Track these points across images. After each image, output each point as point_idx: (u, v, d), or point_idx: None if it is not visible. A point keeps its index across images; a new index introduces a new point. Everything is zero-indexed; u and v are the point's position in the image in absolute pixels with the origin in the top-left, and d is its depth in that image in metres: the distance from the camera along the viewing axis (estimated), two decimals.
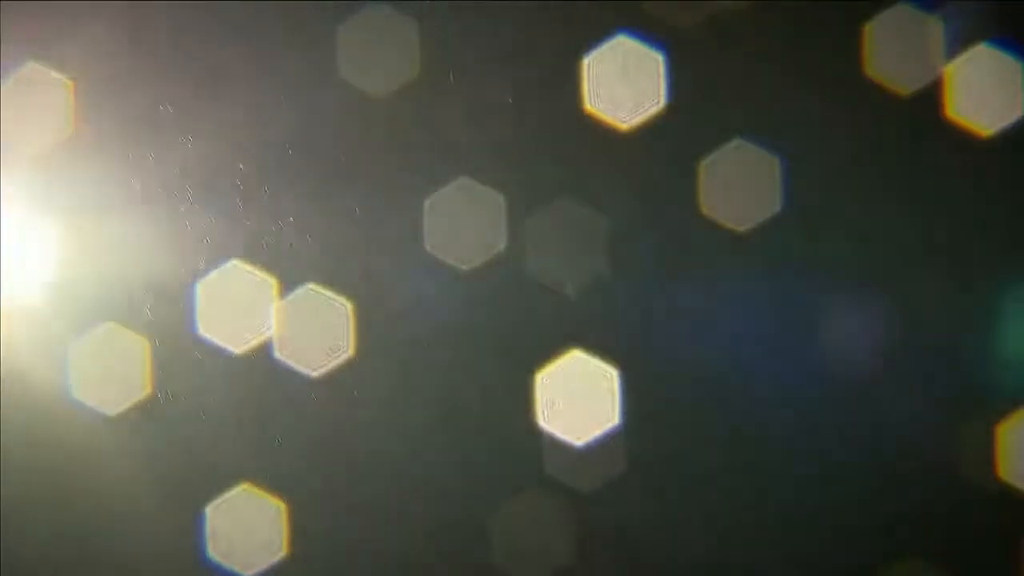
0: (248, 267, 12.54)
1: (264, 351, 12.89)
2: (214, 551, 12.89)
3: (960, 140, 13.48)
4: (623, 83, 13.43)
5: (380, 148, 13.50)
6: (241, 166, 12.93)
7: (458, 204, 13.45)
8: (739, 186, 13.51)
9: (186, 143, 12.99)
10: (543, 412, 13.39)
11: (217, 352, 12.73)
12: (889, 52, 13.44)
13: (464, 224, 13.36)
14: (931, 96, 13.48)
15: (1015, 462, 13.36)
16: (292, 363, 13.09)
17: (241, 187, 12.97)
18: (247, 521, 12.20)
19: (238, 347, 12.60)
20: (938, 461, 13.58)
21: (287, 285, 12.95)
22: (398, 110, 13.45)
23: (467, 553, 13.62)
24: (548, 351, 13.36)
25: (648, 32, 13.39)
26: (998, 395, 13.67)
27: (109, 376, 12.64)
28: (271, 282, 12.69)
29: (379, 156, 13.25)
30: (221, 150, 13.15)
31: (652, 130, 13.45)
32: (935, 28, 13.39)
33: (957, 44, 13.48)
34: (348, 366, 12.57)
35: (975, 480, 13.50)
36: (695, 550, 13.62)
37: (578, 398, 13.32)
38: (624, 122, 13.46)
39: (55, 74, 12.29)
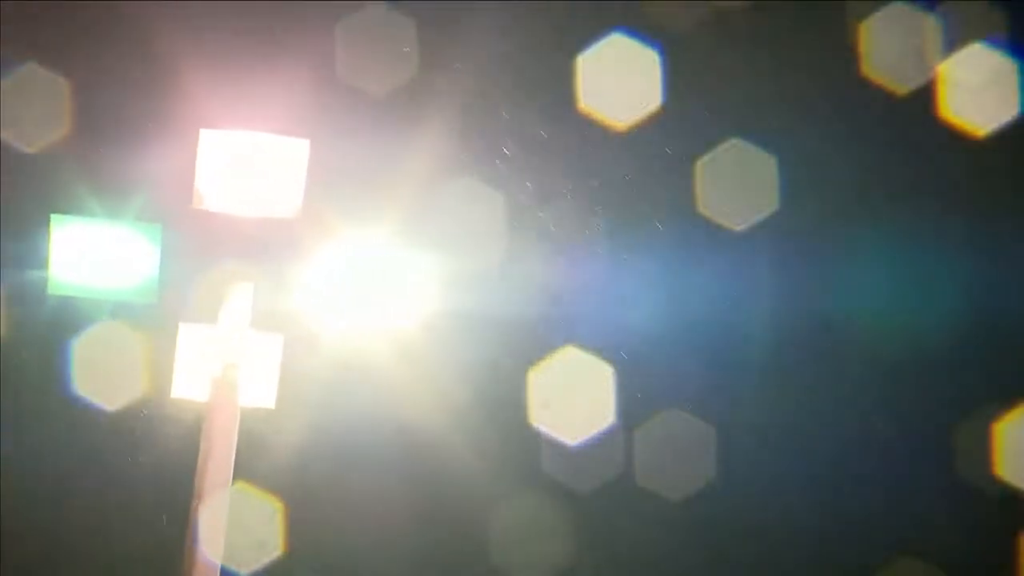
0: None
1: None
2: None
3: (955, 139, 13.44)
4: (619, 82, 13.36)
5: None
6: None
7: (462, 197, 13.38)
8: (736, 185, 13.45)
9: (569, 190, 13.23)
10: (538, 410, 13.29)
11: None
12: (885, 52, 13.41)
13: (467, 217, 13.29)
14: (927, 95, 13.45)
15: (1012, 460, 13.29)
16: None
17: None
18: (243, 520, 12.09)
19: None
20: (937, 460, 13.50)
21: None
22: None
23: (466, 551, 13.48)
24: (545, 349, 13.25)
25: (644, 31, 13.34)
26: (997, 394, 13.61)
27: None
28: None
29: None
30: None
31: (648, 129, 13.39)
32: (931, 28, 13.37)
33: (953, 44, 13.46)
34: (345, 367, 12.45)
35: (973, 478, 13.43)
36: (695, 549, 13.51)
37: (574, 396, 13.20)
38: (620, 121, 13.40)
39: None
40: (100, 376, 14.10)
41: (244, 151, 11.45)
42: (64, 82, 14.14)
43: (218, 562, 10.99)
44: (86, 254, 11.39)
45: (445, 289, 11.88)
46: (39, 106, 14.15)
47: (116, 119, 14.30)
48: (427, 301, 11.49)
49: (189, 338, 11.50)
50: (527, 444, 13.27)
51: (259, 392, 11.58)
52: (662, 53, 13.33)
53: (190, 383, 11.51)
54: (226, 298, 11.42)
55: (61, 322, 13.98)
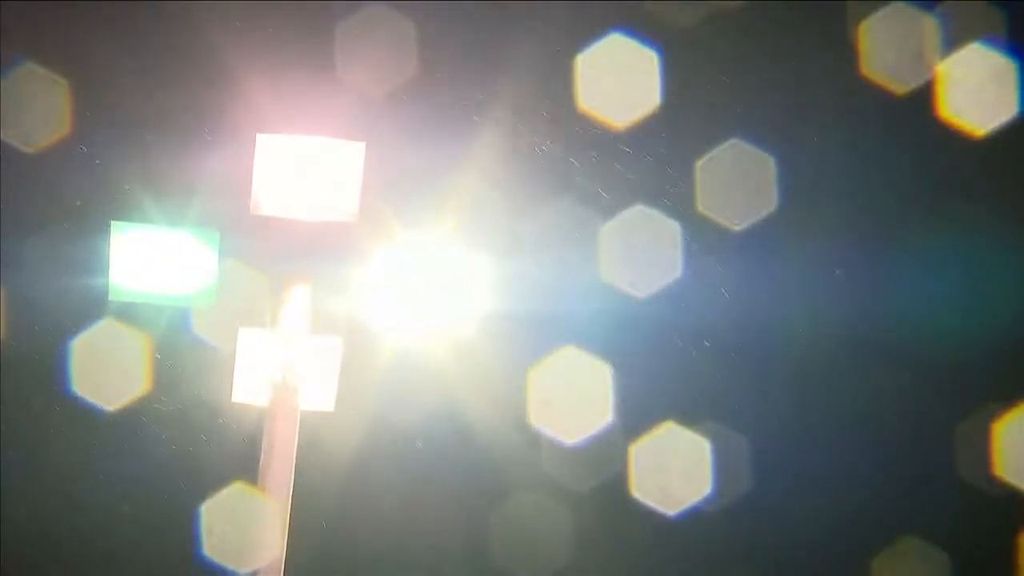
0: None
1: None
2: (209, 549, 12.77)
3: (954, 139, 13.46)
4: (619, 82, 13.38)
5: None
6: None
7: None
8: (735, 185, 13.47)
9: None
10: (537, 410, 13.31)
11: None
12: (884, 52, 13.43)
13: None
14: (926, 95, 13.47)
15: (1012, 460, 13.30)
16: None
17: None
18: (242, 520, 12.13)
19: None
20: (937, 460, 13.51)
21: None
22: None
23: (466, 551, 13.51)
24: (544, 349, 13.28)
25: (644, 31, 13.37)
26: (996, 393, 13.62)
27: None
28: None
29: None
30: None
31: (647, 129, 13.41)
32: (930, 28, 13.39)
33: (952, 43, 13.48)
34: (345, 366, 12.49)
35: (973, 478, 13.44)
36: (695, 547, 13.52)
37: (573, 396, 13.23)
38: (619, 121, 13.42)
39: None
40: (103, 376, 14.18)
41: (300, 155, 11.60)
42: (120, 88, 14.24)
43: (281, 566, 11.03)
44: (145, 260, 11.51)
45: (500, 290, 11.90)
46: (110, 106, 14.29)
47: (172, 125, 14.37)
48: (485, 303, 11.54)
49: (248, 343, 11.67)
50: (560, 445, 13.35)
51: (319, 395, 11.72)
52: (662, 53, 13.36)
53: (250, 388, 11.64)
54: (284, 302, 11.52)
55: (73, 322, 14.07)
